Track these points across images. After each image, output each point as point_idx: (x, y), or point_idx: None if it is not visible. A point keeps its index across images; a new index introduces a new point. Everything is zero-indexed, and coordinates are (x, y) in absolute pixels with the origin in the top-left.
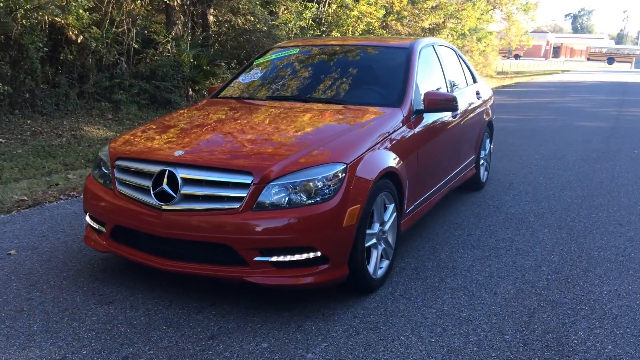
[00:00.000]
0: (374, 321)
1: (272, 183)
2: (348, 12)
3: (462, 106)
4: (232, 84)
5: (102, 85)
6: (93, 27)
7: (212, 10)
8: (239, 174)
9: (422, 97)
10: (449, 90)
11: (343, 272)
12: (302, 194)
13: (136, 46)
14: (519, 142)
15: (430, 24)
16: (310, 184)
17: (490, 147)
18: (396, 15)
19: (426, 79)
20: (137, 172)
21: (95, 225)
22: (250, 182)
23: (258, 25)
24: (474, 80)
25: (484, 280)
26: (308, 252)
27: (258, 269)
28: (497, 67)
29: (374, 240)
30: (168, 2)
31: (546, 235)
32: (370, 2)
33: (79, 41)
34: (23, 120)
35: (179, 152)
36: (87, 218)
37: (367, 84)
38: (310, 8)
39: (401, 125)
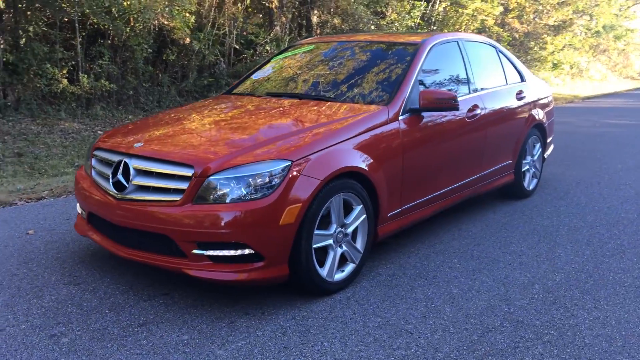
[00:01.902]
0: (308, 324)
1: (212, 177)
2: (461, 10)
3: (488, 106)
4: (246, 81)
5: (200, 84)
6: (188, 28)
7: (315, 12)
8: (182, 167)
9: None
10: (471, 89)
11: (282, 272)
12: (242, 190)
13: (237, 47)
14: (608, 149)
15: (555, 21)
16: (251, 180)
17: (541, 152)
18: (517, 12)
19: (436, 76)
20: (105, 162)
21: (80, 211)
22: (191, 174)
23: (361, 25)
24: (522, 80)
25: (458, 293)
26: (243, 248)
27: (196, 262)
28: None
29: (330, 242)
30: (268, 4)
31: (565, 251)
32: None
33: (186, 43)
34: (125, 115)
35: (138, 144)
36: (77, 205)
37: (366, 80)
38: (419, 7)
39: (385, 123)
